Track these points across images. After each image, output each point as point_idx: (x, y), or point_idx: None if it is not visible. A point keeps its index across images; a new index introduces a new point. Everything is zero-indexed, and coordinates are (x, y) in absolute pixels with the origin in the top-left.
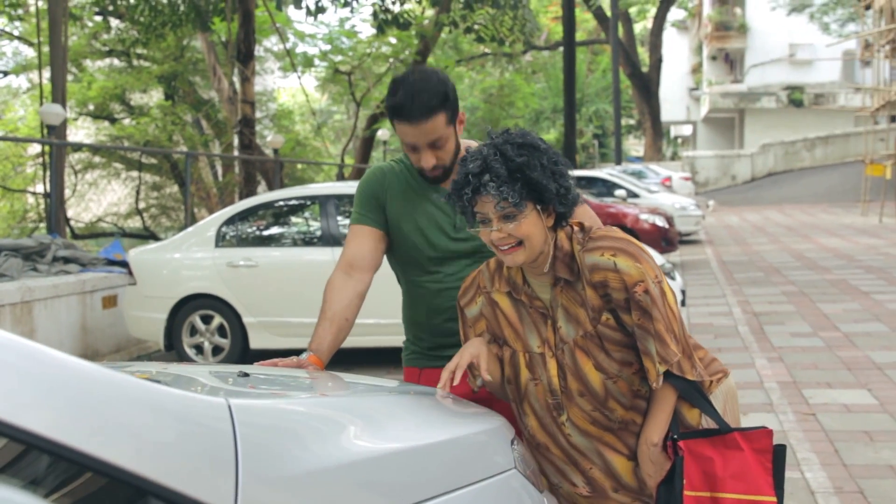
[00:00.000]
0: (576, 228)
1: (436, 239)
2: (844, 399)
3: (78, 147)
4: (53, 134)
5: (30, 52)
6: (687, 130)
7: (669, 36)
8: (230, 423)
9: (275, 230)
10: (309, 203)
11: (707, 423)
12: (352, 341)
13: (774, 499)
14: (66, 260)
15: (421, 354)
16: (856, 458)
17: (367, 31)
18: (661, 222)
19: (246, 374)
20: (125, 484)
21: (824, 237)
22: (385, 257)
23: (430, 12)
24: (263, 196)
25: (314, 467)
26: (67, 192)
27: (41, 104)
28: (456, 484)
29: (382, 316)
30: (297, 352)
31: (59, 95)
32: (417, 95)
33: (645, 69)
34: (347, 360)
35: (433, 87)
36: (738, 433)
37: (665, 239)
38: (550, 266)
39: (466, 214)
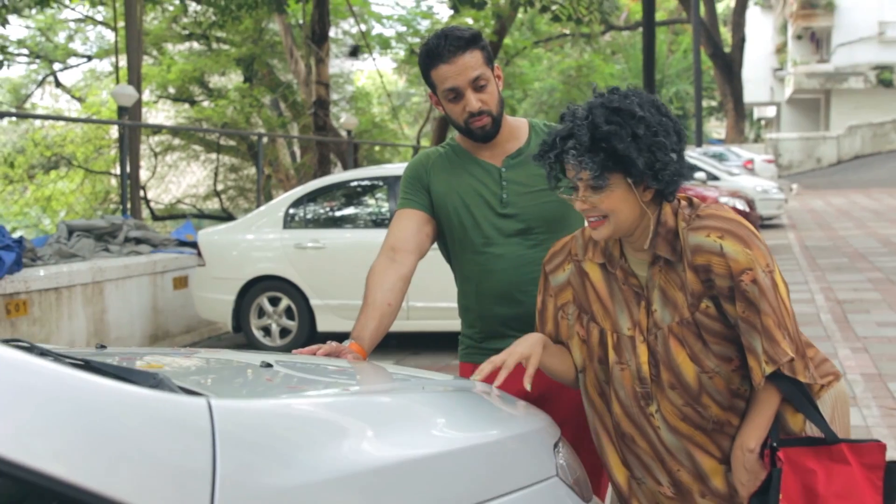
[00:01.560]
0: (683, 203)
1: (480, 215)
2: None
3: (154, 129)
4: (126, 115)
5: (112, 37)
6: (770, 112)
7: (753, 15)
8: (209, 426)
9: (343, 211)
10: (379, 184)
11: (812, 430)
12: (420, 325)
13: None
14: (138, 241)
15: (475, 348)
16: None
17: (444, 12)
18: (741, 206)
19: (269, 365)
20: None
21: None
22: (437, 244)
23: None
24: (332, 177)
25: (311, 478)
26: (147, 174)
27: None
28: (487, 495)
29: (444, 299)
30: None
31: (134, 78)
32: (449, 33)
33: (727, 49)
34: (416, 343)
35: (463, 29)
36: (846, 445)
37: None
38: (651, 243)
39: (551, 178)
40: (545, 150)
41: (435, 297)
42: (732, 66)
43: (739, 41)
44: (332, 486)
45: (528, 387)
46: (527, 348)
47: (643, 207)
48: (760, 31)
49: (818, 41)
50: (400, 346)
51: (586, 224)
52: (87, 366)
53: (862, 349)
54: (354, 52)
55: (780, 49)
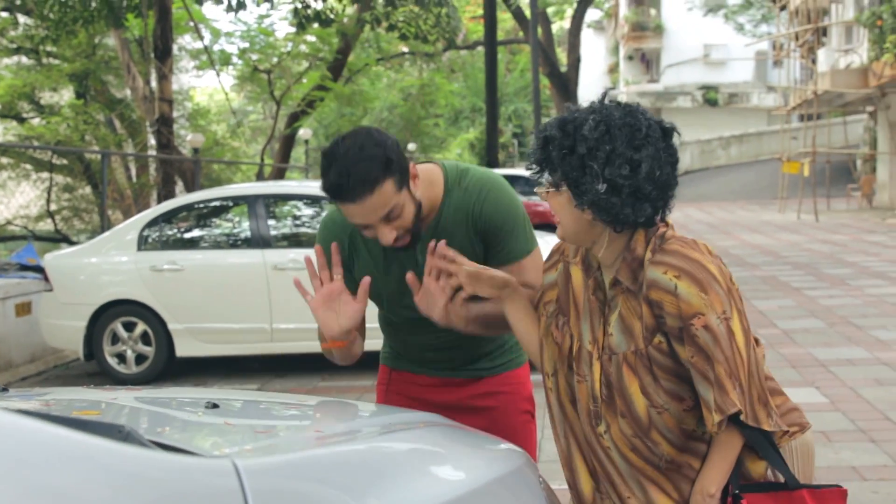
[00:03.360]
0: (660, 232)
1: (399, 306)
2: (794, 399)
3: None
4: None
5: None
6: None
7: (587, 36)
8: (241, 494)
9: (200, 232)
10: (236, 203)
11: (774, 476)
12: (284, 347)
13: None
14: None
15: (397, 357)
16: (816, 461)
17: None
18: None
19: (215, 406)
20: None
21: (747, 234)
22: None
23: (351, 10)
24: (188, 196)
25: None
26: None
27: None
28: None
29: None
30: (227, 360)
31: None
32: (354, 169)
33: (563, 69)
34: (281, 366)
35: (370, 153)
36: (806, 491)
37: None
38: (617, 267)
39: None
40: (533, 150)
41: (299, 319)
42: (569, 85)
43: (575, 61)
44: None
45: (464, 269)
46: (503, 275)
47: (589, 224)
48: (594, 51)
49: (648, 62)
50: (265, 368)
51: None
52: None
53: None
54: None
55: (613, 69)
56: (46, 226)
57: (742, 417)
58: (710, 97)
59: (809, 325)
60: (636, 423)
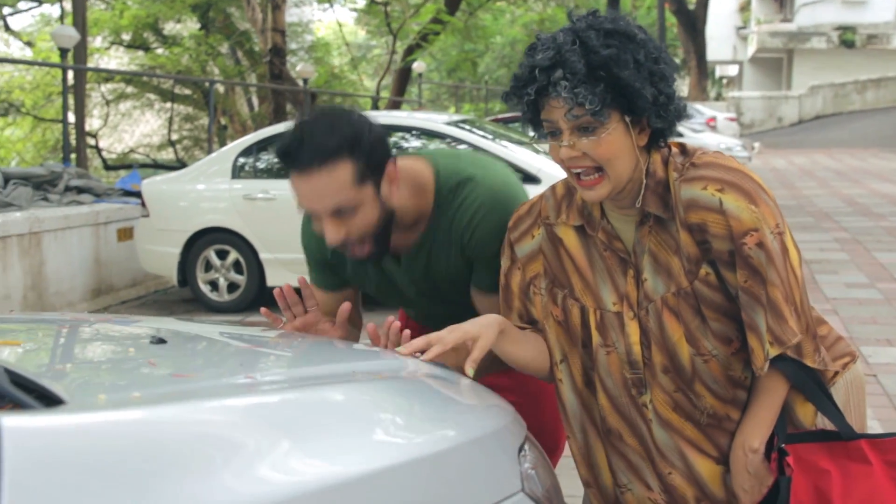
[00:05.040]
0: (674, 150)
1: (393, 298)
2: None
3: (104, 74)
4: (66, 58)
5: None
6: (733, 70)
7: None
8: None
9: None
10: None
11: (824, 423)
12: None
13: None
14: (80, 190)
15: None
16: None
17: None
18: None
19: (162, 341)
20: None
21: (876, 182)
22: None
23: None
24: (283, 125)
25: None
26: (98, 123)
27: None
28: None
29: None
30: None
31: (79, 21)
32: (312, 136)
33: (691, 6)
34: None
35: (337, 128)
36: (865, 441)
37: None
38: (641, 198)
39: (525, 122)
40: (520, 86)
41: None
42: (696, 23)
43: None
44: None
45: (469, 372)
46: (476, 328)
47: (637, 155)
48: None
49: (782, 0)
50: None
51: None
52: None
53: (832, 311)
54: None
55: (744, 7)
56: (168, 155)
57: (786, 352)
58: (847, 38)
59: None
60: (679, 375)
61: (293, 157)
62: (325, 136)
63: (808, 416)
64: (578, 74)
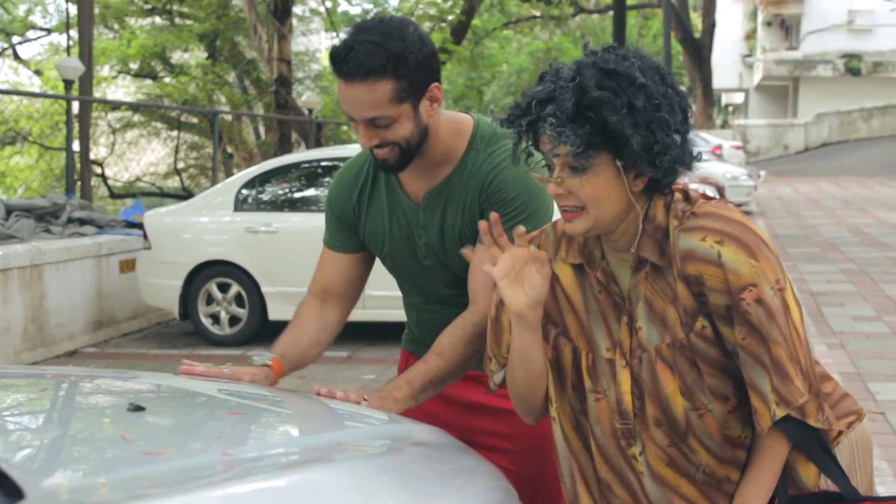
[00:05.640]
0: (678, 197)
1: (407, 268)
2: None
3: (111, 105)
4: (71, 89)
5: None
6: (739, 98)
7: (723, 0)
8: None
9: (299, 194)
10: (337, 165)
11: (827, 483)
12: (376, 315)
13: None
14: (83, 221)
15: (414, 342)
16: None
17: None
18: (711, 192)
19: (140, 408)
20: None
21: (883, 211)
22: None
23: None
24: (287, 157)
25: None
26: (105, 151)
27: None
28: None
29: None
30: None
31: (85, 51)
32: (361, 47)
33: (697, 34)
34: (372, 334)
35: (387, 44)
36: (870, 503)
37: None
38: (636, 243)
39: (518, 152)
40: (516, 116)
41: (392, 286)
42: (702, 51)
43: (709, 26)
44: None
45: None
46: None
47: (631, 199)
48: (730, 16)
49: (788, 28)
50: (356, 335)
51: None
52: None
53: (839, 345)
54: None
55: (750, 35)
56: (174, 183)
57: (791, 412)
58: (853, 66)
59: None
60: (672, 428)
61: (340, 64)
62: (373, 51)
63: (811, 476)
64: (566, 113)
